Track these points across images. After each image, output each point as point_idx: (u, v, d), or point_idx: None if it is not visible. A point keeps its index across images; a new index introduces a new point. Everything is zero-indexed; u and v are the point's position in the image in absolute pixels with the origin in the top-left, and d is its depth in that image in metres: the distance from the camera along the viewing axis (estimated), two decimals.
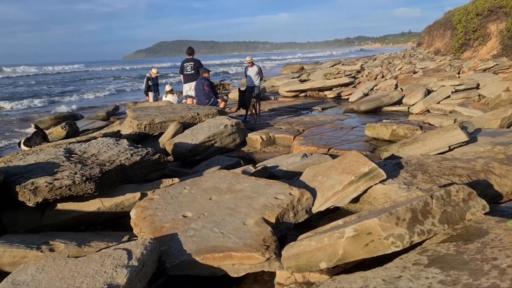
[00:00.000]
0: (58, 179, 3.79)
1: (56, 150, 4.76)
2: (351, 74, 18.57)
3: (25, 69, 57.56)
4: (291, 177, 4.75)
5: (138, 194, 4.20)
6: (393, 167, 4.28)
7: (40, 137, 8.90)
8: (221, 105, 9.40)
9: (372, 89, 13.53)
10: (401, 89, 12.04)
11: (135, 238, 3.46)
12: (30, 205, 3.69)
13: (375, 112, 10.29)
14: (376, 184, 3.72)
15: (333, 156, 5.58)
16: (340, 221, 2.89)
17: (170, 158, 6.55)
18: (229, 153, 6.86)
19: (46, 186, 3.69)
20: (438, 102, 9.38)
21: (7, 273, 3.14)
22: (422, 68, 17.25)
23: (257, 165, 5.28)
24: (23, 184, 3.70)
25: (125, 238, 3.48)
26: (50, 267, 2.64)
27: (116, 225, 4.27)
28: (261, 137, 7.23)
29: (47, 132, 10.65)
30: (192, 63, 9.95)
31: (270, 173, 4.90)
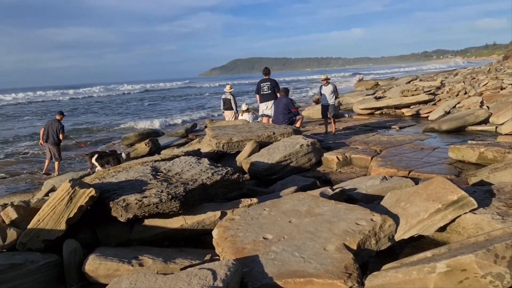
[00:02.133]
0: (146, 197, 4.03)
1: (144, 168, 5.08)
2: (430, 91, 17.75)
3: (133, 87, 71.02)
4: (371, 201, 4.63)
5: (218, 213, 4.33)
6: (483, 194, 4.01)
7: (115, 160, 9.46)
8: (297, 124, 9.44)
9: (454, 106, 12.83)
10: (488, 107, 11.30)
11: (217, 257, 3.57)
12: (122, 220, 3.96)
13: (458, 132, 9.72)
14: (466, 213, 3.51)
15: (414, 179, 5.37)
16: (428, 253, 2.76)
17: (246, 176, 6.68)
18: (304, 172, 6.84)
19: (136, 203, 3.93)
20: None
21: (101, 284, 3.41)
22: (511, 84, 16.06)
23: (334, 187, 5.21)
24: (115, 200, 3.99)
25: (208, 257, 3.59)
26: (142, 282, 2.80)
27: (197, 242, 4.42)
28: (337, 157, 7.14)
29: (132, 148, 11.45)
30: (268, 83, 10.15)
31: (348, 196, 4.81)
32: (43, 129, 11.05)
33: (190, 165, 5.17)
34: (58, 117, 11.00)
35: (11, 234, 3.83)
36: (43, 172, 10.86)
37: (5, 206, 4.48)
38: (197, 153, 6.56)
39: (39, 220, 3.81)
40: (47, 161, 11.03)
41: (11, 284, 3.32)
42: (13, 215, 4.24)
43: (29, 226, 3.84)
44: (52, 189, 7.04)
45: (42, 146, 11.46)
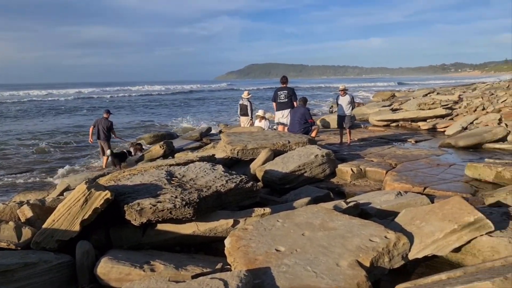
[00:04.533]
0: (160, 202, 4.05)
1: (159, 172, 5.11)
2: (447, 105, 17.53)
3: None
4: (385, 217, 4.59)
5: (231, 221, 4.32)
6: (500, 216, 3.94)
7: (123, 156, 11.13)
8: (313, 134, 9.42)
9: (471, 122, 12.68)
10: (506, 125, 11.12)
11: (228, 266, 3.56)
12: (136, 224, 3.98)
13: (475, 149, 9.57)
14: (482, 235, 3.45)
15: (429, 196, 5.31)
16: (443, 276, 2.72)
17: (260, 184, 6.68)
18: (318, 183, 6.82)
19: (150, 208, 3.95)
20: None
21: (112, 287, 3.44)
22: None
23: (348, 200, 5.18)
24: (130, 204, 4.01)
25: (219, 265, 3.59)
26: None
27: (208, 249, 4.42)
28: (351, 169, 7.10)
29: (146, 149, 11.70)
30: (285, 91, 10.16)
31: (362, 210, 4.77)
32: (92, 127, 11.59)
33: (205, 171, 5.19)
34: (105, 115, 11.57)
35: (26, 232, 3.88)
36: (103, 167, 11.18)
37: (21, 203, 4.54)
38: (211, 159, 6.58)
39: (54, 220, 3.86)
40: (104, 158, 11.38)
41: (24, 282, 3.36)
42: (29, 213, 4.31)
43: (44, 226, 3.88)
44: (67, 188, 7.13)
45: (91, 143, 12.25)
